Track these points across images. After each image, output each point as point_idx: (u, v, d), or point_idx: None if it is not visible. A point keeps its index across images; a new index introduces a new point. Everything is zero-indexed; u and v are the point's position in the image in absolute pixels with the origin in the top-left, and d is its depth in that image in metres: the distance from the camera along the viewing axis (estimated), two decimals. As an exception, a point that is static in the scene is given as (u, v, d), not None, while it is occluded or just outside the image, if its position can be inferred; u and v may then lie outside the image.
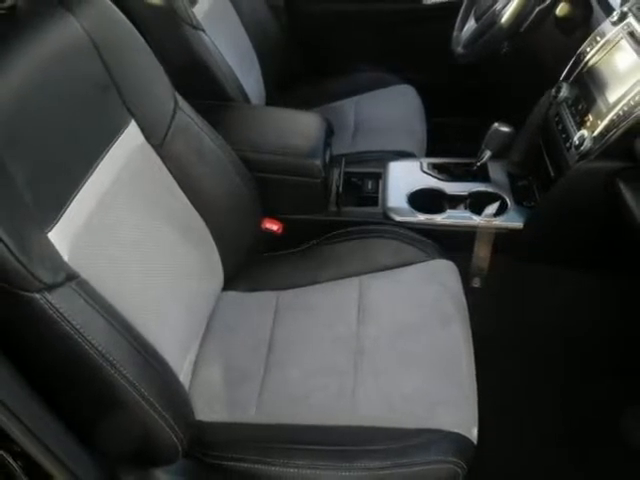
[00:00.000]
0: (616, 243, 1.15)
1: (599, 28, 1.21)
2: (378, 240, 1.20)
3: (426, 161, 1.41)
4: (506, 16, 1.27)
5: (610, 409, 1.23)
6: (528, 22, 1.31)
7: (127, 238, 0.89)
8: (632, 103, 1.02)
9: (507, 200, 1.28)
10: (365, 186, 1.37)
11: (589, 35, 1.23)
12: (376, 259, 1.16)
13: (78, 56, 0.87)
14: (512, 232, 1.25)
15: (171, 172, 1.01)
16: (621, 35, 1.14)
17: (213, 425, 0.94)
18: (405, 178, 1.37)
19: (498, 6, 1.35)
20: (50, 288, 0.71)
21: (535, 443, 1.23)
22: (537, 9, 1.30)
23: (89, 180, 0.84)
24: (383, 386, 0.95)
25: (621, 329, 1.31)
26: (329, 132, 1.34)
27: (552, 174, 1.23)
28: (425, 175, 1.37)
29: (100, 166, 0.87)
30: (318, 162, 1.24)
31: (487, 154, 1.29)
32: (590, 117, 1.12)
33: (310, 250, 1.23)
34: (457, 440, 0.89)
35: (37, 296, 0.69)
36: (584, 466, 1.21)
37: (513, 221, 1.25)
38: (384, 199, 1.33)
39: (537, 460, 1.21)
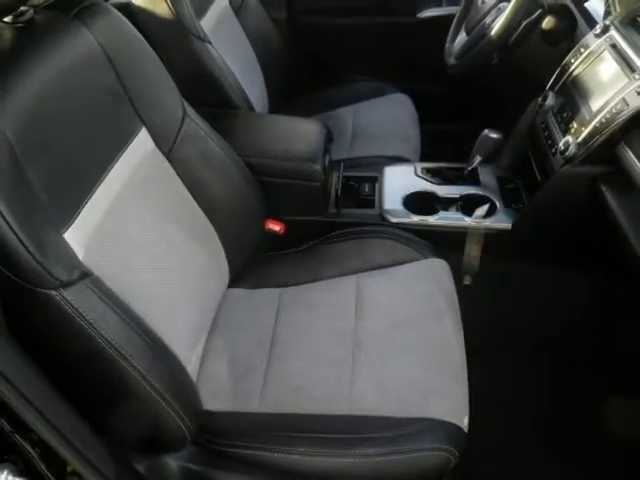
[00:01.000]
0: (599, 243, 1.15)
1: (583, 40, 1.21)
2: (375, 240, 1.20)
3: (420, 166, 1.41)
4: (495, 29, 1.27)
5: (594, 399, 1.23)
6: (516, 35, 1.31)
7: (138, 238, 0.89)
8: (614, 111, 1.02)
9: (496, 202, 1.28)
10: (363, 189, 1.37)
11: (574, 47, 1.23)
12: (373, 258, 1.16)
13: (92, 67, 0.87)
14: (501, 232, 1.25)
15: (179, 176, 1.01)
16: (604, 47, 1.14)
17: (219, 414, 0.94)
18: (400, 182, 1.37)
19: (488, 20, 1.36)
20: (65, 285, 0.71)
21: (523, 432, 1.23)
22: (524, 23, 1.30)
23: (102, 184, 0.84)
24: (379, 377, 0.95)
25: (603, 324, 1.31)
26: (328, 138, 1.34)
27: (539, 178, 1.23)
28: (419, 179, 1.37)
29: (112, 171, 0.87)
30: (318, 166, 1.24)
31: (477, 159, 1.29)
32: (574, 124, 1.12)
33: (311, 249, 1.23)
34: (449, 428, 0.89)
35: (53, 293, 0.70)
36: (568, 453, 1.21)
37: (502, 222, 1.25)
38: (380, 201, 1.33)
39: (525, 448, 1.21)
